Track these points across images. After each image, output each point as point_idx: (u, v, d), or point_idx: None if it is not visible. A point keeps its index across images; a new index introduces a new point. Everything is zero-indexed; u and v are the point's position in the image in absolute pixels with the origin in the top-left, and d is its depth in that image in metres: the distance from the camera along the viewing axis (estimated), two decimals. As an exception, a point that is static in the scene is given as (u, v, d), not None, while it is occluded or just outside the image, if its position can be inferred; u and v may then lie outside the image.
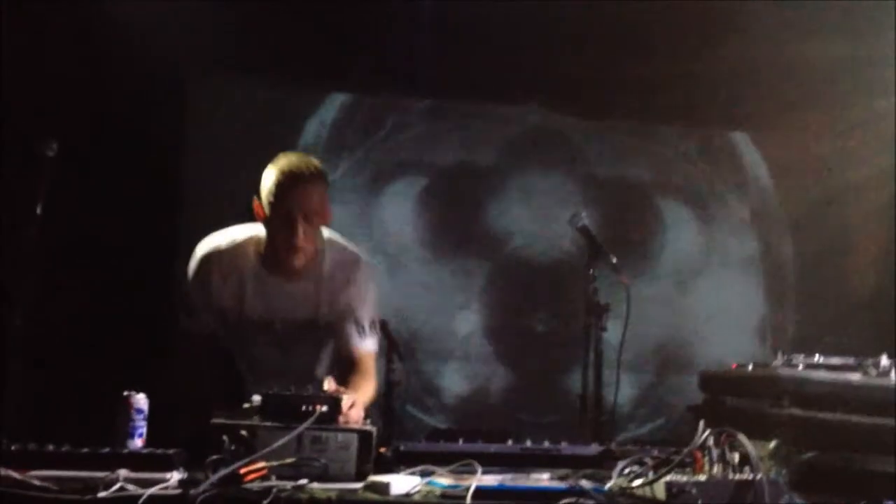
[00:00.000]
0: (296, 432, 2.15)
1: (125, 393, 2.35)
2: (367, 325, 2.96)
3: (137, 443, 2.30)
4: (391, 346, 3.31)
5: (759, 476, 1.97)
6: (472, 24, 4.39)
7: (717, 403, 2.48)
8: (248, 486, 1.99)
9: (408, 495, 2.03)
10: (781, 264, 5.04)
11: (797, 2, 4.15)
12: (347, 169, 4.73)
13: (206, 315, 2.94)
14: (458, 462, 2.16)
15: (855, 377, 2.31)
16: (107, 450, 2.11)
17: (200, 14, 4.15)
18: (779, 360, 2.38)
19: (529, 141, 4.92)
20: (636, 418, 4.69)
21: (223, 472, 1.99)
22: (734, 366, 2.47)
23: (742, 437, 2.00)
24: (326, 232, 2.93)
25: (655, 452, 2.16)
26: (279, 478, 2.04)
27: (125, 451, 2.14)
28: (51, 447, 2.09)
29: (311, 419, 2.21)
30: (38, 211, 2.71)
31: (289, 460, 2.11)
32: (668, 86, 4.59)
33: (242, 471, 2.01)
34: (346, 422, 2.37)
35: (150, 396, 2.36)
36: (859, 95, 4.53)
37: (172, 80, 4.48)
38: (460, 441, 2.34)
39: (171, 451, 2.11)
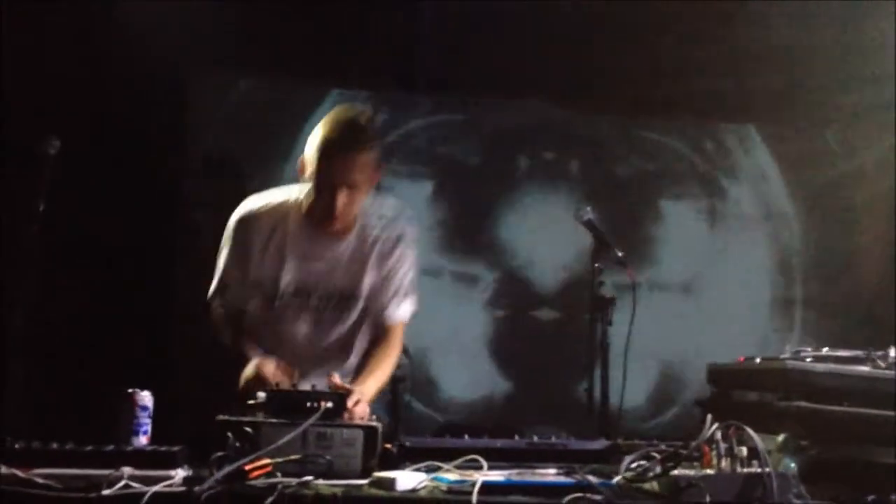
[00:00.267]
0: (300, 429, 2.14)
1: (129, 390, 2.34)
2: (406, 290, 2.88)
3: (142, 440, 2.29)
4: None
5: (767, 470, 1.95)
6: (474, 18, 4.38)
7: (724, 397, 2.46)
8: (253, 482, 1.97)
9: (413, 491, 2.02)
10: (790, 257, 5.02)
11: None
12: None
13: (240, 289, 2.83)
14: (463, 457, 2.15)
15: (864, 369, 2.29)
16: (111, 447, 2.10)
17: (200, 12, 4.15)
18: (787, 353, 2.37)
19: (533, 137, 4.91)
20: (643, 412, 4.68)
21: (228, 469, 1.98)
22: (742, 359, 2.46)
23: (750, 431, 1.99)
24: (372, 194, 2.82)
25: (663, 447, 2.13)
26: (284, 474, 2.03)
27: (129, 448, 2.12)
28: (54, 445, 2.08)
29: (316, 415, 2.20)
30: (40, 209, 2.71)
31: (294, 457, 2.10)
32: (671, 78, 4.57)
33: (247, 468, 2.00)
34: (352, 417, 2.36)
35: (154, 393, 2.35)
36: (864, 82, 4.52)
37: (172, 78, 4.47)
38: (466, 436, 2.32)
39: (175, 449, 2.10)
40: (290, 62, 4.48)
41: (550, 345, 4.76)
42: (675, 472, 1.97)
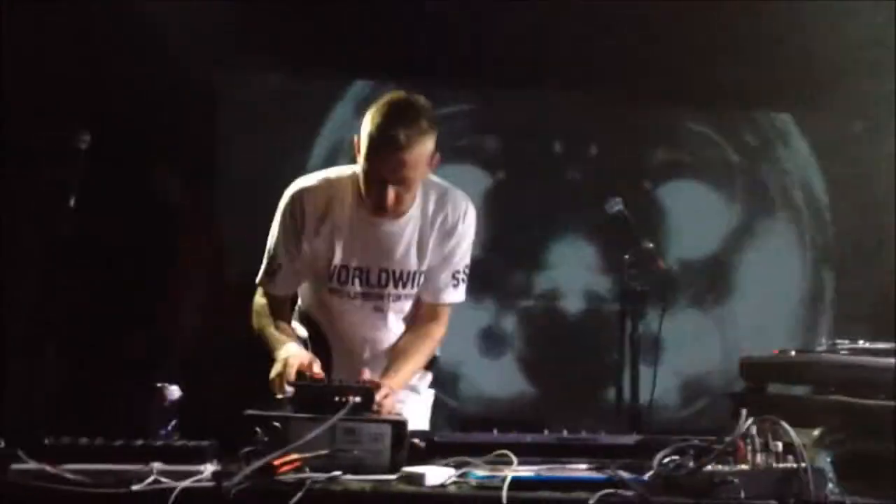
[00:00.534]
0: (328, 424, 2.12)
1: (158, 385, 2.34)
2: (463, 275, 2.81)
3: (170, 435, 2.29)
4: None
5: (803, 465, 1.92)
6: (500, 6, 4.36)
7: (758, 391, 2.42)
8: (282, 477, 1.97)
9: (443, 486, 2.01)
10: (822, 247, 4.96)
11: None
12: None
13: (291, 269, 2.76)
14: (493, 452, 2.13)
15: (901, 362, 2.24)
16: (140, 442, 2.10)
17: (225, 7, 4.15)
18: (822, 346, 2.33)
19: (554, 126, 4.87)
20: (674, 407, 4.64)
21: (257, 464, 1.97)
22: (775, 352, 2.42)
23: (786, 425, 1.95)
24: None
25: (696, 441, 2.10)
26: (312, 470, 2.02)
27: (158, 443, 2.12)
28: (84, 441, 2.08)
29: (344, 410, 2.18)
30: (72, 203, 2.73)
31: (322, 452, 2.09)
32: (705, 66, 4.52)
33: (276, 462, 1.99)
34: (381, 411, 2.35)
35: (182, 388, 2.35)
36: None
37: (200, 69, 4.47)
38: (495, 431, 2.30)
39: (204, 444, 2.10)
40: (313, 54, 4.47)
41: (579, 338, 4.73)
42: (709, 467, 1.93)
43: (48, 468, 1.95)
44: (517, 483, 1.94)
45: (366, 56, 4.46)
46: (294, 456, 2.03)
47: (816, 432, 2.08)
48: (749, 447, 1.96)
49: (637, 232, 3.12)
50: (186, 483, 1.90)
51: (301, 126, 4.48)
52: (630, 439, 2.30)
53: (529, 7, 4.39)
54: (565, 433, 2.30)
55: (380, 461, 2.14)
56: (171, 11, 4.08)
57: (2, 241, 3.88)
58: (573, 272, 4.83)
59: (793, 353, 2.36)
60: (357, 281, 2.75)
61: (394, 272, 2.76)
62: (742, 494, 1.88)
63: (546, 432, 2.31)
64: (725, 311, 4.87)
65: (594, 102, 4.82)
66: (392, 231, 2.72)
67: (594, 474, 2.05)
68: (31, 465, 1.97)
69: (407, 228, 2.73)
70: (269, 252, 2.79)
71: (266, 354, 2.69)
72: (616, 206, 3.14)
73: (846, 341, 2.34)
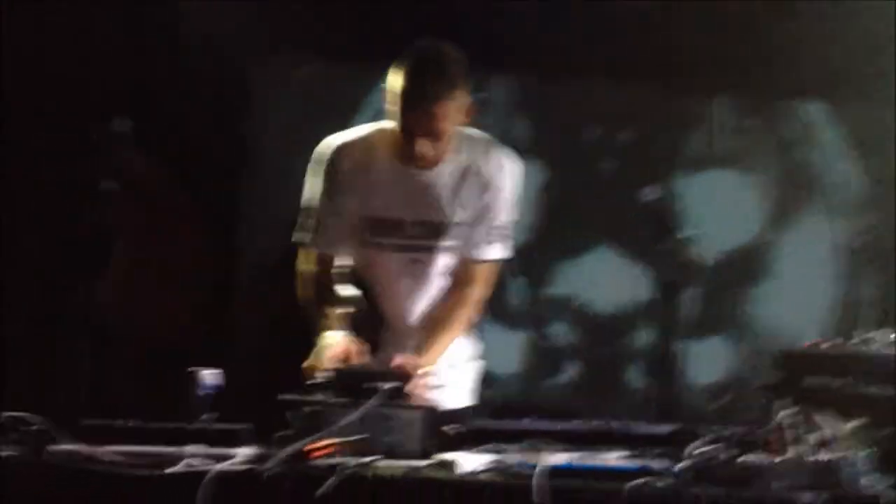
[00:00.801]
0: (360, 410, 2.14)
1: (193, 368, 2.36)
2: (504, 230, 2.76)
3: (206, 418, 2.31)
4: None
5: (838, 456, 1.90)
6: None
7: (792, 382, 2.40)
8: (315, 463, 1.98)
9: (474, 473, 2.01)
10: (858, 240, 4.89)
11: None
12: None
13: (330, 226, 2.73)
14: (525, 440, 2.13)
15: (939, 354, 2.22)
16: (175, 425, 2.12)
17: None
18: (857, 338, 2.30)
19: (598, 115, 4.83)
20: (707, 397, 4.61)
21: (290, 448, 1.99)
22: (810, 343, 2.40)
23: (821, 417, 1.94)
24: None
25: (729, 432, 2.09)
26: (345, 455, 2.03)
27: (193, 426, 2.14)
28: (121, 422, 2.11)
29: (376, 397, 2.19)
30: (113, 189, 2.75)
31: (355, 437, 2.10)
32: (739, 55, 4.47)
33: (309, 447, 2.01)
34: (412, 399, 2.36)
35: (218, 371, 2.37)
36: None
37: (235, 57, 4.49)
38: (527, 419, 2.30)
39: (238, 427, 2.11)
40: (348, 41, 4.47)
41: (611, 327, 4.71)
42: (743, 458, 1.92)
43: (84, 449, 1.98)
44: (550, 471, 1.94)
45: (399, 41, 4.44)
46: (327, 441, 2.04)
47: (852, 424, 2.06)
48: (784, 438, 1.95)
49: (672, 221, 3.09)
50: (220, 466, 1.92)
51: (337, 113, 4.49)
52: (663, 429, 2.28)
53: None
54: (597, 422, 2.30)
55: (411, 448, 2.15)
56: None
57: (43, 225, 3.94)
58: (605, 260, 4.80)
59: (827, 344, 2.34)
60: (394, 233, 2.72)
61: (431, 223, 2.71)
62: (777, 486, 1.87)
63: (578, 420, 2.30)
64: (759, 301, 4.82)
65: (628, 89, 4.78)
66: (427, 181, 2.67)
67: (627, 463, 2.04)
68: (68, 445, 2.00)
69: (443, 179, 2.68)
70: (305, 209, 2.77)
71: (302, 338, 2.71)
72: (652, 194, 3.11)
73: (880, 332, 2.31)
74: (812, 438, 1.94)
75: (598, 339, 4.73)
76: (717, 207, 4.83)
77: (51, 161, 4.05)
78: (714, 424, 2.26)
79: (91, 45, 4.11)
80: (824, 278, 4.86)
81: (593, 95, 4.81)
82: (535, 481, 1.88)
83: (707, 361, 4.63)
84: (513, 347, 4.72)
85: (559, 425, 2.27)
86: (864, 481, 1.91)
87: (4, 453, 1.99)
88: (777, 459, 1.92)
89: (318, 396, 2.26)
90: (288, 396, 2.20)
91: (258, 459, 1.97)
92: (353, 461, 1.99)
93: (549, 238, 4.76)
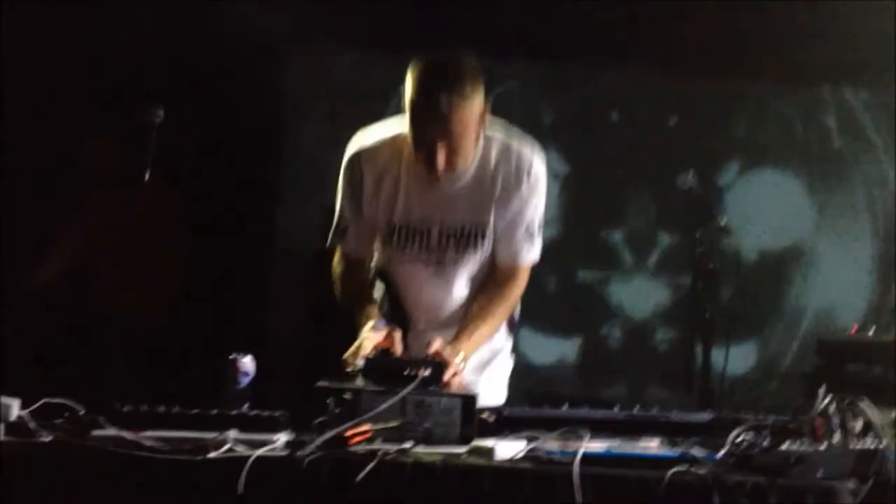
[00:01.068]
0: (399, 395, 2.14)
1: (232, 356, 2.37)
2: (536, 230, 2.73)
3: (244, 405, 2.32)
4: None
5: (882, 445, 1.88)
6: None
7: (835, 369, 2.38)
8: (354, 448, 1.98)
9: (512, 460, 2.01)
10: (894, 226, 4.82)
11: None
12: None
13: (357, 231, 2.73)
14: (563, 427, 2.12)
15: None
16: (215, 411, 2.14)
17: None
18: (900, 327, 2.28)
19: (630, 101, 4.80)
20: (746, 386, 4.57)
21: (329, 434, 2.00)
22: (853, 331, 2.37)
23: (865, 404, 1.91)
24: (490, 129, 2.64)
25: (770, 420, 2.06)
26: (383, 441, 2.03)
27: (233, 412, 2.15)
28: (161, 408, 2.13)
29: (414, 383, 2.19)
30: (146, 179, 2.77)
31: (393, 423, 2.10)
32: (776, 41, 4.41)
33: (347, 433, 2.01)
34: (452, 383, 2.35)
35: (255, 358, 2.39)
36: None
37: (270, 48, 4.50)
38: (565, 406, 2.29)
39: (277, 413, 2.12)
40: (380, 31, 4.46)
41: (649, 316, 4.68)
42: (785, 446, 1.90)
43: (127, 435, 1.99)
44: (588, 458, 1.93)
45: (429, 30, 4.43)
46: (365, 427, 2.05)
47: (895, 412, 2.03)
48: (826, 426, 1.92)
49: (711, 207, 3.06)
50: (261, 451, 1.93)
51: (370, 103, 4.49)
52: (702, 417, 2.26)
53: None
54: (637, 410, 2.28)
55: (449, 434, 2.15)
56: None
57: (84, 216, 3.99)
58: (643, 247, 4.77)
59: (871, 332, 2.32)
60: (417, 240, 2.70)
61: (454, 231, 2.70)
62: (819, 474, 1.85)
63: (617, 408, 2.29)
64: (800, 290, 4.77)
65: (670, 77, 4.74)
66: (450, 189, 2.64)
67: (667, 451, 2.03)
68: (111, 431, 2.02)
69: (466, 186, 2.65)
70: (336, 213, 2.78)
71: (337, 326, 2.71)
72: (689, 182, 3.09)
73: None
74: (856, 426, 1.92)
75: (634, 328, 4.71)
76: (757, 196, 4.79)
77: (89, 152, 4.09)
78: (753, 413, 2.25)
79: (128, 37, 4.14)
80: (865, 267, 4.81)
81: (627, 83, 4.78)
82: (575, 468, 1.88)
83: (747, 350, 4.60)
84: (548, 339, 4.71)
85: (596, 413, 2.26)
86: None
87: (47, 438, 2.01)
88: (821, 447, 1.90)
89: (357, 383, 2.26)
90: (325, 383, 2.21)
91: (297, 445, 1.98)
92: (392, 447, 1.99)
93: (584, 226, 4.74)
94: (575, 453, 1.93)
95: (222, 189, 4.29)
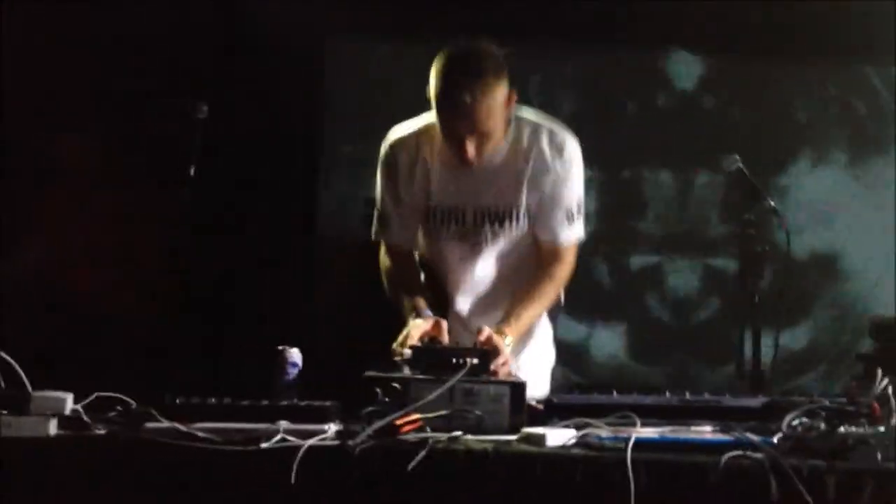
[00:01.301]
0: (449, 384, 2.14)
1: (280, 348, 2.39)
2: (575, 209, 2.76)
3: (293, 396, 2.33)
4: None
5: (943, 427, 1.84)
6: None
7: (889, 351, 2.33)
8: (404, 437, 1.99)
9: (564, 447, 1.99)
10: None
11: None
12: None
13: (398, 221, 2.80)
14: (615, 413, 2.10)
15: None
16: (265, 402, 2.15)
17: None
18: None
19: (668, 83, 4.74)
20: (797, 368, 4.51)
21: (379, 423, 2.00)
22: (906, 312, 2.32)
23: (924, 386, 1.88)
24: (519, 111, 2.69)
25: (825, 403, 2.03)
26: (433, 430, 2.03)
27: (283, 403, 2.16)
28: (213, 400, 2.14)
29: (463, 371, 2.19)
30: (191, 174, 2.80)
31: (442, 412, 2.10)
32: (816, 19, 4.34)
33: (398, 422, 2.01)
34: (501, 370, 2.35)
35: (301, 350, 2.40)
36: None
37: (311, 42, 4.50)
38: (614, 393, 2.27)
39: (327, 404, 2.13)
40: (417, 19, 4.44)
41: (698, 299, 4.64)
42: (842, 429, 1.87)
43: (180, 426, 2.01)
44: (641, 444, 1.92)
45: (464, 19, 4.42)
46: (415, 416, 2.05)
47: (956, 394, 1.99)
48: (886, 408, 1.89)
49: (758, 190, 3.01)
50: (312, 441, 1.94)
51: (409, 92, 4.48)
52: (755, 402, 2.22)
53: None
54: (687, 395, 2.25)
55: (499, 422, 2.14)
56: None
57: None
58: (690, 230, 4.72)
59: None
60: (453, 221, 2.76)
61: (489, 210, 2.73)
62: (879, 457, 1.82)
63: (667, 394, 2.26)
64: (848, 270, 4.70)
65: (705, 59, 4.68)
66: (482, 170, 2.67)
67: (720, 436, 2.01)
68: (164, 423, 2.04)
69: (498, 166, 2.69)
70: (377, 206, 2.85)
71: (383, 317, 2.72)
72: (735, 163, 3.04)
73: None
74: (916, 408, 1.88)
75: (682, 313, 4.66)
76: (801, 178, 4.72)
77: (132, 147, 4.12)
78: (807, 396, 2.21)
79: (164, 33, 4.16)
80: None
81: (665, 65, 4.73)
82: (628, 454, 1.86)
83: (799, 332, 4.54)
84: (597, 325, 4.67)
85: (648, 399, 2.23)
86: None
87: (102, 431, 2.04)
88: (879, 430, 1.87)
89: (405, 372, 2.27)
90: (374, 373, 2.21)
91: (348, 434, 1.98)
92: (443, 435, 1.99)
93: (631, 212, 4.71)
94: (627, 439, 1.91)
95: (264, 182, 4.31)
